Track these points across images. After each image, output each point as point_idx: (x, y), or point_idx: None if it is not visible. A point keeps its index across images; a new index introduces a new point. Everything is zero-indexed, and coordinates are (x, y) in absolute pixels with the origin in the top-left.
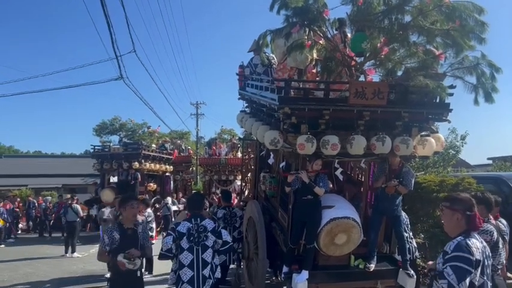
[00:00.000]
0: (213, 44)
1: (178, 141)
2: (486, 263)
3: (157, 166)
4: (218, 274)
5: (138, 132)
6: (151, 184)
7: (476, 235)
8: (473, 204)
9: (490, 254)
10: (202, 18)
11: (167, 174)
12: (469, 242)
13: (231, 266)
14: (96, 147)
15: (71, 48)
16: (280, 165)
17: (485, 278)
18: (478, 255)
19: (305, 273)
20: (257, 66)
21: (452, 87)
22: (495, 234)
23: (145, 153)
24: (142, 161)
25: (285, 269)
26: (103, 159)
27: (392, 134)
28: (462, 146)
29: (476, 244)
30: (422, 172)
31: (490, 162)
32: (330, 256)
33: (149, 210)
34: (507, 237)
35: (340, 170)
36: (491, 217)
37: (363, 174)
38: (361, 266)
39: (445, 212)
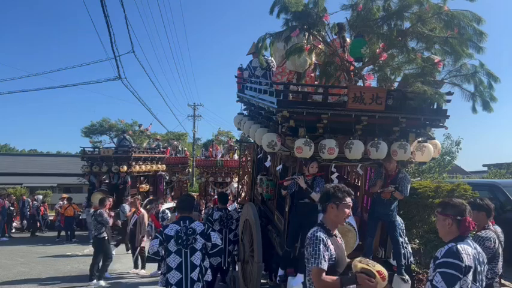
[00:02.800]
0: (212, 46)
1: (175, 143)
2: (479, 269)
3: (148, 166)
4: (208, 277)
5: (129, 132)
6: (144, 185)
7: (469, 241)
8: (464, 210)
9: (485, 260)
10: (202, 20)
11: (160, 173)
12: (459, 247)
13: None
14: (86, 149)
15: (69, 47)
16: (277, 168)
17: (477, 284)
18: (468, 262)
19: (300, 277)
20: (256, 69)
21: (449, 94)
22: (497, 241)
23: (136, 155)
24: (133, 163)
25: (280, 272)
26: (93, 161)
27: (389, 139)
28: (457, 152)
29: (468, 250)
30: (419, 178)
31: (485, 169)
32: None
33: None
34: (502, 244)
35: (336, 174)
36: (490, 224)
37: (360, 178)
38: None
39: (438, 217)
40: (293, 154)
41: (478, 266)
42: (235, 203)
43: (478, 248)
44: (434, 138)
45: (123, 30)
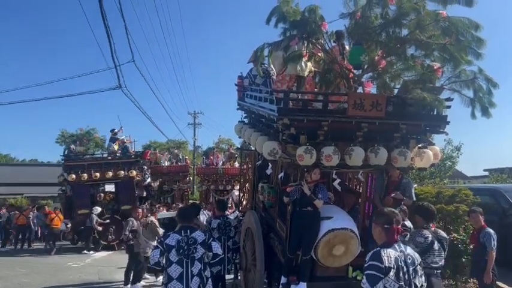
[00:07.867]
0: (212, 52)
1: (176, 151)
2: (405, 270)
3: (98, 174)
4: (209, 286)
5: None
6: (102, 193)
7: (396, 245)
8: (392, 219)
9: (416, 261)
10: (201, 27)
11: (136, 179)
12: (382, 252)
13: (229, 276)
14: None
15: (69, 57)
16: (279, 176)
17: (401, 283)
18: (388, 263)
19: (303, 285)
20: (256, 77)
21: (449, 99)
22: (430, 238)
23: (70, 164)
24: (71, 171)
25: (283, 280)
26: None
27: (389, 146)
28: (458, 157)
29: (390, 253)
30: (415, 185)
31: (487, 173)
32: (328, 267)
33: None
34: (494, 246)
35: (338, 181)
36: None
37: (361, 185)
38: (359, 278)
39: (372, 225)
40: (294, 161)
41: (404, 266)
42: (237, 211)
43: (408, 251)
44: (434, 144)
45: (123, 39)
